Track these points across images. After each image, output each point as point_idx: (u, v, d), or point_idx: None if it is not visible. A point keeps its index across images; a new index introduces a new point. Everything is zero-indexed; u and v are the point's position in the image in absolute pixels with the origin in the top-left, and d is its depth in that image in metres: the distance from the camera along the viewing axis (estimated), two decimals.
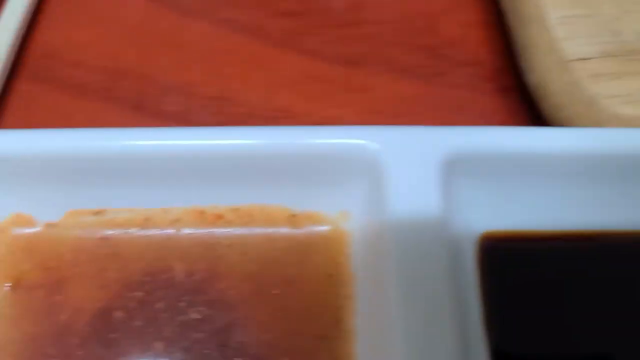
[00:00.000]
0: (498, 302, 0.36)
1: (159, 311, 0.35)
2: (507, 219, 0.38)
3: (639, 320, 0.36)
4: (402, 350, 0.29)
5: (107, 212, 0.36)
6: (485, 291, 0.37)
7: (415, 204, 0.32)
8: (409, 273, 0.31)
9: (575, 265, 0.38)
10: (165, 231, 0.36)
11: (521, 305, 0.37)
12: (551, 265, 0.38)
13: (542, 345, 0.36)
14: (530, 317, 0.36)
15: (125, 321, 0.35)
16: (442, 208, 0.33)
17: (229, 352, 0.34)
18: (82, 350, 0.35)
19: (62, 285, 0.36)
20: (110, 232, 0.36)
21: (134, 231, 0.36)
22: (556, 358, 0.36)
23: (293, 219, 0.36)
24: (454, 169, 0.35)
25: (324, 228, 0.36)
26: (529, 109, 0.45)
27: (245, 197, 0.36)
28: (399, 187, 0.33)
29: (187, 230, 0.36)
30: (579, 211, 0.38)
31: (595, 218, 0.38)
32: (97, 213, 0.36)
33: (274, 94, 0.46)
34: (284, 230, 0.36)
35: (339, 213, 0.36)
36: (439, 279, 0.31)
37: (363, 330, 0.34)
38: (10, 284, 0.36)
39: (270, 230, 0.36)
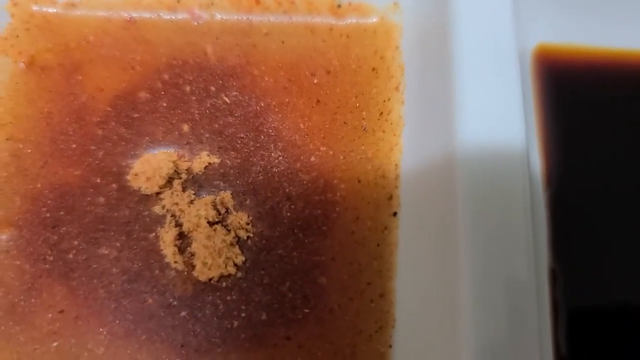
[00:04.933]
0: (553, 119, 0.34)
1: (188, 94, 0.32)
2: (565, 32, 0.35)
3: None
4: (453, 130, 0.26)
5: None
6: (540, 102, 0.34)
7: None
8: (474, 65, 0.27)
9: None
10: (197, 16, 0.33)
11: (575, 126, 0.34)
12: (610, 87, 0.35)
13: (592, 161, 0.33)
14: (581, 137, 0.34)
15: (150, 102, 0.32)
16: (510, 13, 0.29)
17: (262, 138, 0.31)
18: (102, 129, 0.32)
19: (82, 66, 0.33)
20: (137, 14, 0.33)
21: (164, 14, 0.33)
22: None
23: (338, 9, 0.33)
24: None
25: (370, 20, 0.33)
26: None
27: None
28: None
29: (221, 16, 0.33)
30: None
31: None
32: None
33: None
34: (327, 20, 0.33)
35: (388, 4, 0.33)
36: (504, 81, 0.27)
37: (411, 121, 0.31)
38: (24, 61, 0.33)
39: (312, 19, 0.33)
